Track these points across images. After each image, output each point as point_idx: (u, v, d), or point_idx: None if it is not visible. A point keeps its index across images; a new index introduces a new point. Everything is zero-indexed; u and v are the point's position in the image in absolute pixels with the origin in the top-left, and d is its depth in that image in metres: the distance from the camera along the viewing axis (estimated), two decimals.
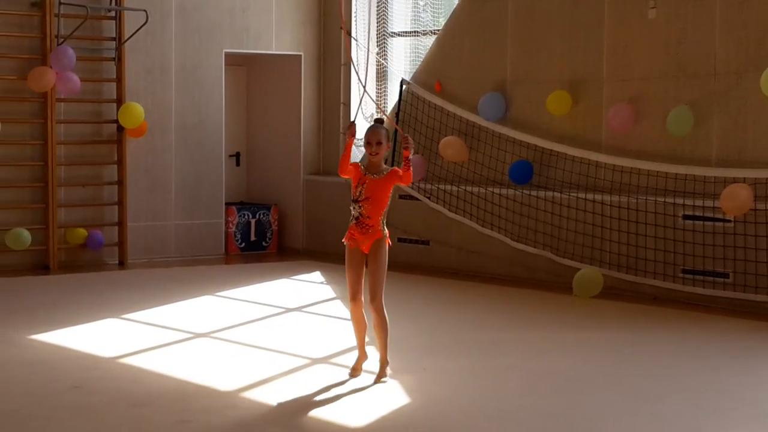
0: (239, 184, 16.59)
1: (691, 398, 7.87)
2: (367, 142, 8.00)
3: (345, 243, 8.25)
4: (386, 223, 8.31)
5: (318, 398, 7.79)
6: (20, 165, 13.94)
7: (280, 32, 15.83)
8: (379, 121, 8.19)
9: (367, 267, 8.24)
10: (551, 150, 13.03)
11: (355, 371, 8.33)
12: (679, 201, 11.80)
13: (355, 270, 8.22)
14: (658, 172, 12.00)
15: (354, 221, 8.18)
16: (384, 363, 8.19)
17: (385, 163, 8.28)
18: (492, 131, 13.60)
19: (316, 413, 7.41)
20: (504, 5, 13.65)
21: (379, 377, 8.14)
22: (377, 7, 15.70)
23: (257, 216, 15.88)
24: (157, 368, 8.71)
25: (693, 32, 11.99)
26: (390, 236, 8.34)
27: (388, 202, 8.21)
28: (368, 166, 8.14)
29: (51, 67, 13.64)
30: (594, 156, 12.59)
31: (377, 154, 8.01)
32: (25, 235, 13.59)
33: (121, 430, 7.01)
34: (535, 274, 13.10)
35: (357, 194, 8.14)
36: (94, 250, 14.31)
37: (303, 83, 16.07)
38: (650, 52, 12.34)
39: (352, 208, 8.20)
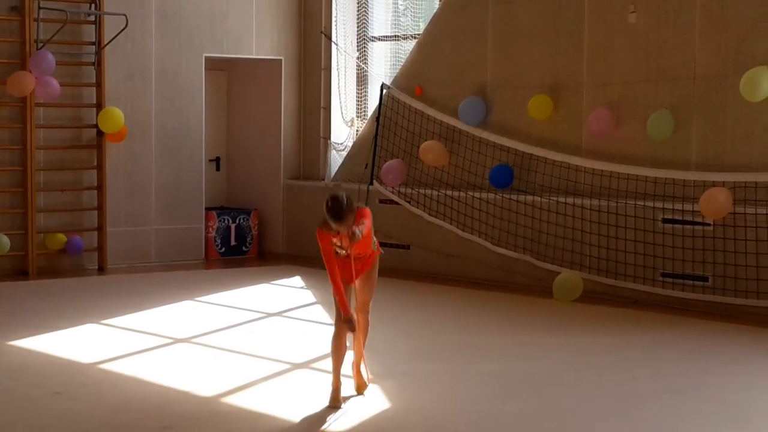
0: (219, 188, 16.56)
1: (672, 401, 7.90)
2: (338, 232, 7.45)
3: (337, 250, 7.69)
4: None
5: (299, 403, 7.80)
6: None
7: (260, 36, 15.83)
8: (335, 205, 7.35)
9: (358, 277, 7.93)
10: (531, 154, 13.05)
11: (339, 402, 7.63)
12: (659, 204, 11.86)
13: (346, 284, 7.78)
14: (638, 176, 12.03)
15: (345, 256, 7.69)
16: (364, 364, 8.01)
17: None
18: (472, 135, 13.62)
19: (296, 418, 7.41)
20: (484, 10, 13.67)
21: (364, 386, 7.99)
22: (357, 11, 15.72)
23: (237, 221, 15.87)
24: (138, 374, 8.69)
25: (673, 37, 12.04)
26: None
27: (373, 240, 7.93)
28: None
29: (30, 71, 13.61)
30: (574, 160, 12.62)
31: (347, 243, 7.53)
32: (4, 240, 13.55)
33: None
34: (515, 278, 13.12)
35: (343, 253, 7.68)
36: (73, 256, 14.28)
37: (283, 87, 16.06)
38: (630, 56, 12.38)
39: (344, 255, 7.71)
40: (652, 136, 11.92)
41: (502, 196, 13.21)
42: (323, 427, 7.20)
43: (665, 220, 11.84)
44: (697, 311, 11.41)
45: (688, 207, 11.58)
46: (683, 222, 11.68)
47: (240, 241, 15.86)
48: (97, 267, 14.49)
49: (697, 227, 11.59)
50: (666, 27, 12.10)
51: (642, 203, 11.96)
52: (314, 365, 9.01)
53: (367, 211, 7.61)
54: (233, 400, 7.91)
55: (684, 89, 11.93)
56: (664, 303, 11.72)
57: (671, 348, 9.85)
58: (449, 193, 13.82)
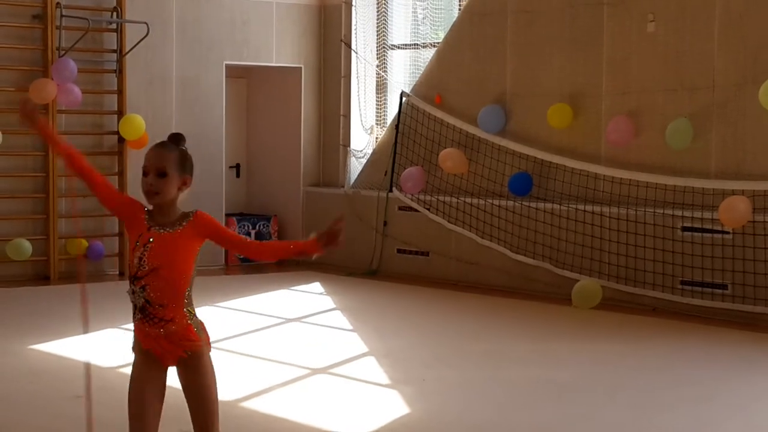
0: (239, 195, 16.57)
1: (692, 409, 7.85)
2: (145, 169, 4.85)
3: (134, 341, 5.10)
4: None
5: (317, 408, 7.78)
6: (22, 176, 13.94)
7: (280, 45, 15.84)
8: (175, 138, 5.02)
9: (183, 390, 5.29)
10: (551, 162, 13.01)
11: None
12: (678, 213, 11.79)
13: (147, 394, 5.17)
14: (657, 184, 11.97)
15: (139, 315, 4.92)
16: None
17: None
18: (492, 143, 13.58)
19: (316, 423, 7.39)
20: (503, 19, 13.64)
21: None
22: (377, 19, 15.71)
23: (257, 227, 15.87)
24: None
25: (692, 45, 11.98)
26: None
27: (193, 274, 4.99)
28: (152, 211, 4.91)
29: (52, 78, 13.64)
30: (593, 168, 12.57)
31: (158, 192, 4.81)
32: (26, 245, 13.57)
33: None
34: (534, 286, 13.06)
35: (135, 262, 4.83)
36: (94, 261, 14.29)
37: (303, 95, 16.06)
38: (649, 65, 12.32)
39: (129, 291, 4.92)
40: (671, 145, 11.86)
41: (521, 204, 13.17)
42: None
43: (684, 228, 11.78)
44: (716, 319, 11.34)
45: (707, 215, 11.51)
46: (702, 230, 11.62)
47: None
48: (118, 272, 14.50)
49: (716, 235, 11.52)
50: (685, 36, 12.04)
51: (661, 211, 11.89)
52: (333, 371, 8.98)
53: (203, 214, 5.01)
54: (251, 404, 7.90)
55: (703, 98, 11.87)
56: (683, 311, 11.64)
57: (690, 356, 9.78)
58: (468, 200, 13.78)
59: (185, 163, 4.93)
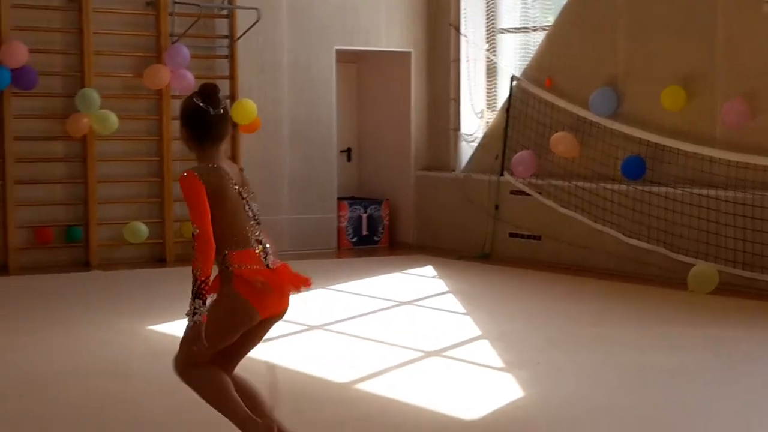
0: (351, 179, 16.64)
1: None
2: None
3: (259, 284, 5.37)
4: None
5: (432, 391, 7.78)
6: (137, 160, 14.17)
7: (390, 29, 15.85)
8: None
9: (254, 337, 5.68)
10: (664, 145, 12.83)
11: None
12: None
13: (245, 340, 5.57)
14: None
15: (262, 252, 5.44)
16: None
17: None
18: (604, 126, 13.45)
19: (430, 405, 7.39)
20: (614, 0, 13.50)
21: None
22: (486, 3, 15.64)
23: (369, 211, 15.92)
24: (272, 359, 8.76)
25: None
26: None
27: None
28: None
29: (166, 64, 13.82)
30: (708, 151, 12.37)
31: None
32: (143, 228, 13.79)
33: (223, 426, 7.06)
34: (648, 270, 12.89)
35: (247, 206, 5.54)
36: None
37: (413, 79, 16.06)
38: (765, 46, 12.09)
39: (250, 230, 5.46)
40: None
41: (635, 188, 13.02)
42: (454, 415, 7.17)
43: None
44: None
45: None
46: None
47: (372, 231, 15.90)
48: None
49: None
50: None
51: None
52: (447, 353, 8.98)
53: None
54: (365, 386, 7.94)
55: None
56: None
57: None
58: (580, 184, 13.66)
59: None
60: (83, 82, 13.57)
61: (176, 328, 9.84)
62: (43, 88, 13.40)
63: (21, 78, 13.08)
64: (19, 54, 12.96)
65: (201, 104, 5.26)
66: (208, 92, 5.29)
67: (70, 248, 13.75)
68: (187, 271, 5.49)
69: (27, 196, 13.36)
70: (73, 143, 13.70)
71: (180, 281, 12.59)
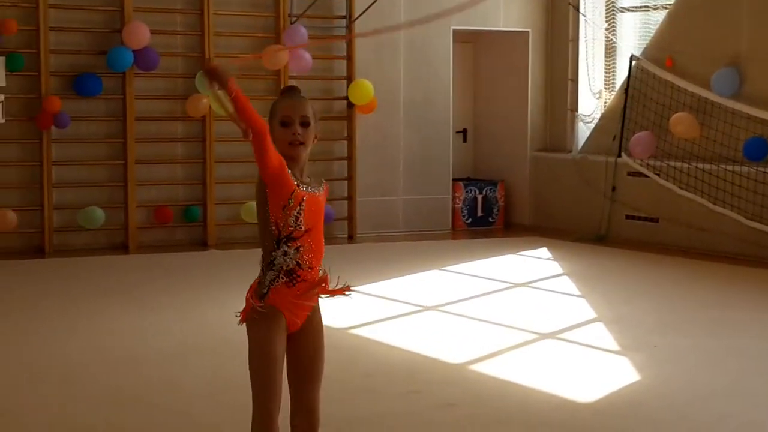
0: (466, 160, 16.60)
1: None
2: (284, 120, 4.62)
3: (263, 308, 4.67)
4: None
5: (547, 373, 7.76)
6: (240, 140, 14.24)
7: (507, 9, 15.76)
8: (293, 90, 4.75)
9: (294, 352, 4.88)
10: None
11: None
12: None
13: (279, 366, 4.69)
14: None
15: (284, 279, 4.66)
16: None
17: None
18: (725, 107, 13.22)
19: (544, 387, 7.38)
20: None
21: None
22: None
23: (484, 192, 15.88)
24: (387, 340, 8.81)
25: None
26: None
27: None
28: (292, 167, 4.56)
29: (284, 44, 13.92)
30: None
31: (303, 143, 4.58)
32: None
33: (353, 399, 7.13)
34: None
35: (291, 222, 4.57)
36: (326, 225, 14.54)
37: (530, 60, 15.96)
38: None
39: (281, 253, 4.61)
40: None
41: (756, 170, 12.78)
42: (568, 397, 7.14)
43: None
44: None
45: None
46: None
47: (487, 212, 15.87)
48: (347, 235, 14.75)
49: None
50: None
51: None
52: (561, 336, 8.94)
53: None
54: (480, 367, 7.94)
55: None
56: None
57: None
58: (700, 165, 13.45)
59: (317, 116, 4.68)
60: (203, 63, 13.74)
61: None
62: (163, 69, 13.60)
63: (143, 59, 13.29)
64: (142, 35, 13.18)
65: None
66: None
67: (189, 227, 13.96)
68: None
69: (147, 175, 13.57)
70: (193, 123, 13.90)
71: None
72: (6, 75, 12.82)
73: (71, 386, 7.36)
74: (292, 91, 4.71)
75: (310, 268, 4.66)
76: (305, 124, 4.57)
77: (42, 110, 12.97)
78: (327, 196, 4.71)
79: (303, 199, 4.55)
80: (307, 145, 4.59)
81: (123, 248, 13.44)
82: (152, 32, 13.32)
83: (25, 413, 6.77)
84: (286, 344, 4.72)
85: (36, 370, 7.80)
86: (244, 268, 12.13)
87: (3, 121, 12.88)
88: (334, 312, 9.74)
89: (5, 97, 12.86)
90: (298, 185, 4.54)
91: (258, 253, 4.69)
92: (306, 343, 4.83)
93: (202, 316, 9.65)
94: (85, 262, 12.53)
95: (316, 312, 4.88)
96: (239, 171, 14.12)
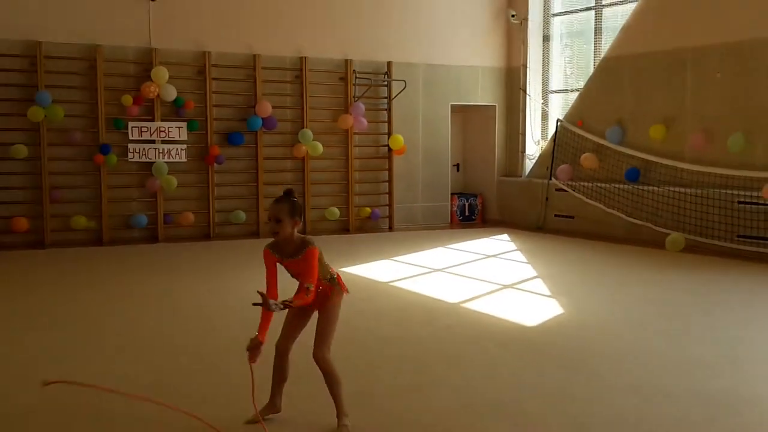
0: (459, 181, 16.50)
1: None
2: (268, 218, 4.38)
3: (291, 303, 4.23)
4: None
5: (507, 308, 7.66)
6: (332, 171, 14.28)
7: (483, 92, 15.68)
8: (287, 194, 4.41)
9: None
10: (650, 160, 12.44)
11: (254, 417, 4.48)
12: None
13: (290, 321, 4.54)
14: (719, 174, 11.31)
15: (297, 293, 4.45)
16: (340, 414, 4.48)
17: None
18: (614, 149, 13.07)
19: (506, 317, 7.28)
20: (622, 69, 13.10)
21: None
22: (542, 75, 15.40)
23: (469, 201, 15.80)
24: (412, 289, 8.79)
25: None
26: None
27: (321, 269, 4.43)
28: (277, 245, 4.36)
29: (350, 114, 13.93)
30: (678, 164, 11.96)
31: (276, 232, 4.30)
32: (336, 211, 13.94)
33: (390, 325, 7.08)
34: (640, 237, 12.52)
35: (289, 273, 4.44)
36: (375, 220, 14.57)
37: (497, 121, 15.88)
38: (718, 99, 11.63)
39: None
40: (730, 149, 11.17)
41: (633, 186, 12.61)
42: (521, 323, 7.05)
43: None
44: None
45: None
46: None
47: (471, 213, 15.79)
48: (388, 227, 14.74)
49: (761, 206, 10.81)
50: None
51: None
52: (516, 286, 8.85)
53: (312, 249, 4.33)
54: (468, 305, 7.91)
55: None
56: None
57: None
58: (599, 184, 13.31)
59: (294, 210, 4.33)
60: (303, 125, 13.78)
61: (355, 270, 9.97)
62: (279, 129, 13.64)
63: (267, 123, 13.35)
64: (266, 109, 13.24)
65: (296, 200, 4.43)
66: (291, 192, 4.47)
67: None
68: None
69: (270, 192, 13.62)
70: (297, 161, 13.92)
71: (358, 243, 12.77)
72: (188, 133, 12.94)
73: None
74: (277, 198, 4.38)
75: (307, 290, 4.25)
76: (278, 220, 4.28)
77: (208, 154, 13.05)
78: (312, 255, 4.29)
79: (281, 264, 4.37)
80: (282, 233, 4.29)
81: (255, 235, 13.50)
82: (273, 107, 13.37)
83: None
84: (306, 312, 4.54)
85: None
86: (327, 246, 12.22)
87: (185, 160, 12.98)
88: (380, 272, 9.80)
89: (187, 146, 12.96)
90: (281, 258, 4.35)
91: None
92: (320, 313, 4.53)
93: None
94: (237, 243, 12.57)
95: (328, 299, 4.50)
96: (324, 189, 14.16)
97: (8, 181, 11.96)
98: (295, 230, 4.36)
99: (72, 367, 5.65)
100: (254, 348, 4.28)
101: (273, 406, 4.60)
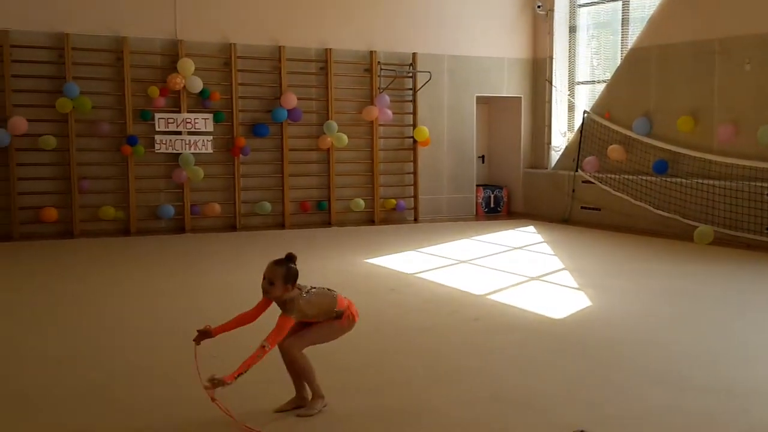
0: (484, 173, 16.48)
1: None
2: (263, 276, 4.42)
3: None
4: None
5: (534, 300, 7.64)
6: (358, 162, 14.31)
7: (509, 83, 15.63)
8: (289, 257, 4.47)
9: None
10: (678, 152, 12.33)
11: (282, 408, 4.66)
12: None
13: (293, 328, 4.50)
14: None
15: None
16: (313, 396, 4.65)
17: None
18: (641, 141, 12.99)
19: (532, 309, 7.27)
20: (648, 60, 13.00)
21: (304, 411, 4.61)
22: (568, 66, 15.30)
23: (494, 192, 15.77)
24: (437, 280, 8.81)
25: None
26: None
27: (318, 317, 4.53)
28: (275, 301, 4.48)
29: (375, 105, 13.94)
30: (705, 155, 11.84)
31: (267, 293, 4.39)
32: (361, 203, 13.98)
33: (418, 315, 7.12)
34: (668, 230, 12.42)
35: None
36: (400, 212, 14.59)
37: (522, 113, 15.82)
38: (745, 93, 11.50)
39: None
40: None
41: (661, 179, 12.52)
42: (548, 315, 7.04)
43: None
44: None
45: None
46: None
47: (496, 205, 15.76)
48: (413, 218, 14.74)
49: None
50: None
51: None
52: (543, 278, 8.83)
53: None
54: (494, 296, 7.91)
55: None
56: None
57: None
58: (626, 176, 13.23)
59: (288, 277, 4.39)
60: (328, 116, 13.82)
61: (379, 261, 9.99)
62: (304, 121, 13.69)
63: (293, 114, 13.40)
64: (292, 100, 13.28)
65: (294, 266, 4.47)
66: (292, 258, 4.51)
67: (320, 214, 14.03)
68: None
69: (295, 183, 13.69)
70: (321, 152, 13.96)
71: (383, 234, 12.79)
72: (213, 124, 13.01)
73: None
74: (277, 260, 4.45)
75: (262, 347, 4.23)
76: (271, 282, 4.37)
77: (234, 145, 13.13)
78: (283, 323, 4.33)
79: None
80: (272, 295, 4.39)
81: (281, 226, 13.57)
82: (298, 99, 13.42)
83: None
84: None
85: None
86: (352, 237, 12.30)
87: (212, 151, 13.06)
88: (405, 263, 9.82)
89: (213, 138, 13.05)
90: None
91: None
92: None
93: (331, 266, 9.66)
94: (262, 234, 12.66)
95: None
96: (349, 180, 14.19)
97: (37, 172, 12.12)
98: (286, 294, 4.40)
99: (106, 356, 5.74)
100: (203, 334, 4.44)
101: (301, 399, 4.70)
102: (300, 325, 4.54)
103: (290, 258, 4.46)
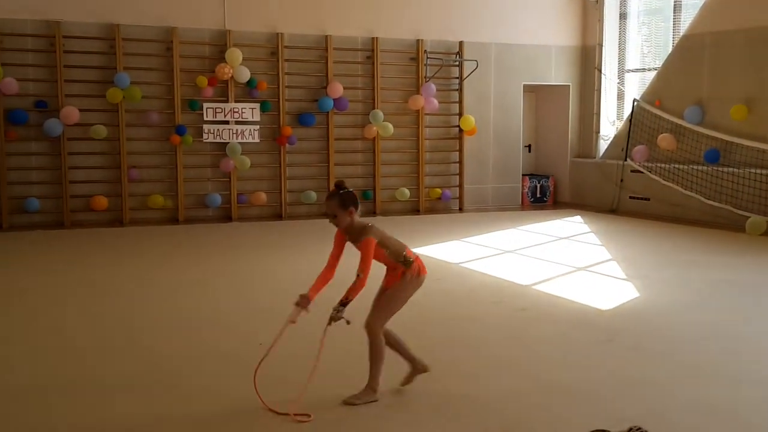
0: (530, 163, 16.34)
1: None
2: (324, 214, 4.71)
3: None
4: None
5: (581, 291, 7.60)
6: (403, 152, 14.31)
7: (557, 71, 15.47)
8: (337, 187, 4.58)
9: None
10: (732, 141, 12.08)
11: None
12: None
13: (376, 299, 4.70)
14: None
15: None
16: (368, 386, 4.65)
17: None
18: (693, 130, 12.76)
19: (580, 300, 7.22)
20: (701, 48, 12.75)
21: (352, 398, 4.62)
22: (618, 54, 15.09)
23: (541, 182, 15.65)
24: (482, 270, 8.79)
25: None
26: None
27: (385, 252, 4.62)
28: (343, 231, 4.64)
29: (421, 95, 13.92)
30: (762, 145, 11.59)
31: (336, 225, 4.59)
32: (406, 192, 13.98)
33: (464, 304, 7.12)
34: (716, 220, 12.19)
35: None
36: (445, 201, 14.57)
37: (570, 101, 15.65)
38: None
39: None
40: None
41: (712, 168, 12.28)
42: (595, 306, 6.99)
43: None
44: None
45: None
46: None
47: (542, 194, 15.65)
48: (458, 208, 14.71)
49: None
50: None
51: None
52: (590, 269, 8.77)
53: (369, 240, 4.53)
54: (540, 287, 7.89)
55: None
56: None
57: None
58: (676, 166, 13.01)
59: (345, 202, 4.52)
60: (374, 105, 13.84)
61: (426, 250, 10.00)
62: (351, 110, 13.73)
63: (339, 104, 13.45)
64: (338, 90, 13.33)
65: (346, 190, 4.57)
66: (341, 185, 4.60)
67: (366, 203, 14.01)
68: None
69: (340, 172, 13.74)
70: (367, 141, 13.99)
71: (428, 224, 12.78)
72: (260, 114, 13.14)
73: None
74: (329, 194, 4.59)
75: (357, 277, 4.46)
76: (333, 215, 4.53)
77: (280, 134, 13.24)
78: (367, 245, 4.49)
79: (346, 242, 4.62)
80: (340, 225, 4.56)
81: (326, 215, 13.59)
82: (344, 88, 13.46)
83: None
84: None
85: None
86: (397, 227, 12.32)
87: (258, 141, 13.19)
88: (450, 253, 9.83)
89: (260, 127, 13.17)
90: (350, 240, 4.60)
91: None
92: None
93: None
94: (308, 223, 12.72)
95: (396, 281, 4.66)
96: (395, 170, 14.21)
97: (88, 161, 12.38)
98: (354, 217, 4.56)
99: (159, 338, 5.87)
100: (302, 301, 4.46)
101: (415, 369, 4.80)
102: (379, 297, 4.61)
103: (339, 186, 4.57)
